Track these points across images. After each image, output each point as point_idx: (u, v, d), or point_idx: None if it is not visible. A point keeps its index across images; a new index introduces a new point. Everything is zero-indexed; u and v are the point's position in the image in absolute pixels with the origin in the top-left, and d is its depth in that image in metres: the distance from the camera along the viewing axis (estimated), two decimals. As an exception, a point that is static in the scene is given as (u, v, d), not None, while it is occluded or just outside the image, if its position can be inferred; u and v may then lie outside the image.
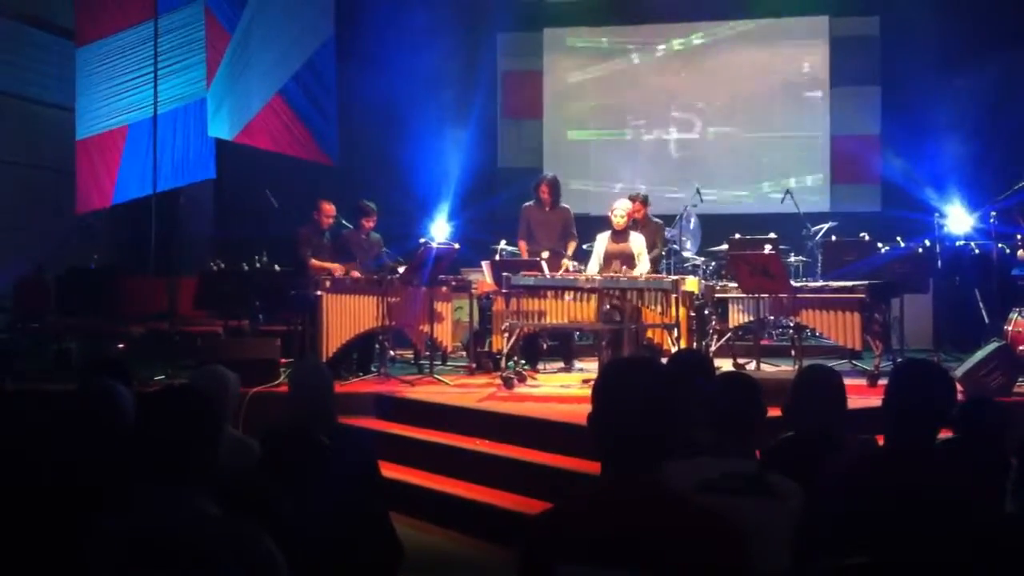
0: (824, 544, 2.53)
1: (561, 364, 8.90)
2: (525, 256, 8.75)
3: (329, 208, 8.75)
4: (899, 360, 7.00)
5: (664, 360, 5.22)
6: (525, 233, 8.92)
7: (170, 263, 9.27)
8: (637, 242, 8.31)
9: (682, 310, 7.54)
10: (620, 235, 8.33)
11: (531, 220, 8.89)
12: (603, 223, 8.54)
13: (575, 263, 8.65)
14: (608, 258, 8.30)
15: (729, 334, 8.44)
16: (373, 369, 8.43)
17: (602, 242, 8.38)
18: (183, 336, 9.09)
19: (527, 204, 8.98)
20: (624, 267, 8.06)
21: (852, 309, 7.38)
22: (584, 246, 8.98)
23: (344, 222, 8.93)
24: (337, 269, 8.47)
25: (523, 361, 8.24)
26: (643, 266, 8.18)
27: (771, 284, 7.57)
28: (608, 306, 7.56)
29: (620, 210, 8.32)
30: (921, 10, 10.94)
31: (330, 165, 10.73)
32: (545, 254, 8.48)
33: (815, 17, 12.05)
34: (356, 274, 8.47)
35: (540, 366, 8.77)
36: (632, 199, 8.83)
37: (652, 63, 12.44)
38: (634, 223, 8.66)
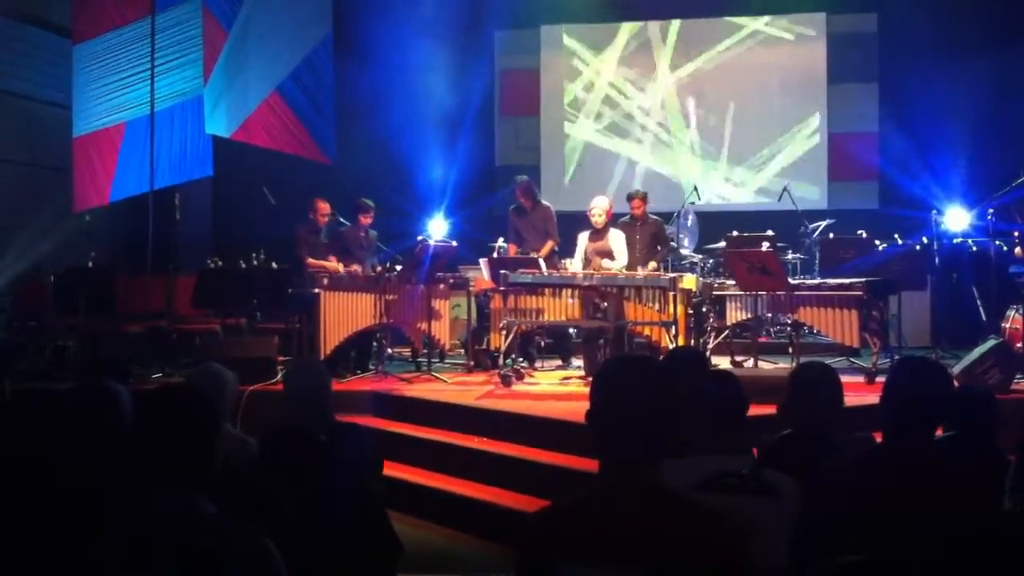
0: (822, 542, 2.53)
1: (559, 362, 8.91)
2: None
3: (324, 206, 8.79)
4: (897, 357, 7.01)
5: (661, 357, 5.23)
6: (513, 237, 9.04)
7: (168, 261, 9.24)
8: (616, 239, 8.36)
9: (680, 307, 7.55)
10: (599, 233, 8.38)
11: (516, 224, 9.02)
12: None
13: (570, 259, 8.67)
14: (589, 256, 8.36)
15: (727, 332, 8.45)
16: (371, 367, 8.44)
17: (582, 241, 8.45)
18: (181, 334, 9.08)
19: (511, 208, 9.08)
20: (604, 261, 8.12)
21: (850, 306, 7.39)
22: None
23: (341, 219, 8.94)
24: (333, 267, 8.47)
25: (521, 359, 8.25)
26: (620, 261, 8.21)
27: (769, 281, 7.58)
28: (605, 303, 7.58)
29: (598, 209, 8.38)
30: (919, 7, 10.92)
31: (328, 164, 10.71)
32: (533, 254, 8.52)
33: (813, 14, 12.05)
34: (357, 269, 8.47)
35: (538, 364, 8.78)
36: (631, 196, 8.85)
37: (649, 60, 12.43)
38: (632, 219, 8.70)
